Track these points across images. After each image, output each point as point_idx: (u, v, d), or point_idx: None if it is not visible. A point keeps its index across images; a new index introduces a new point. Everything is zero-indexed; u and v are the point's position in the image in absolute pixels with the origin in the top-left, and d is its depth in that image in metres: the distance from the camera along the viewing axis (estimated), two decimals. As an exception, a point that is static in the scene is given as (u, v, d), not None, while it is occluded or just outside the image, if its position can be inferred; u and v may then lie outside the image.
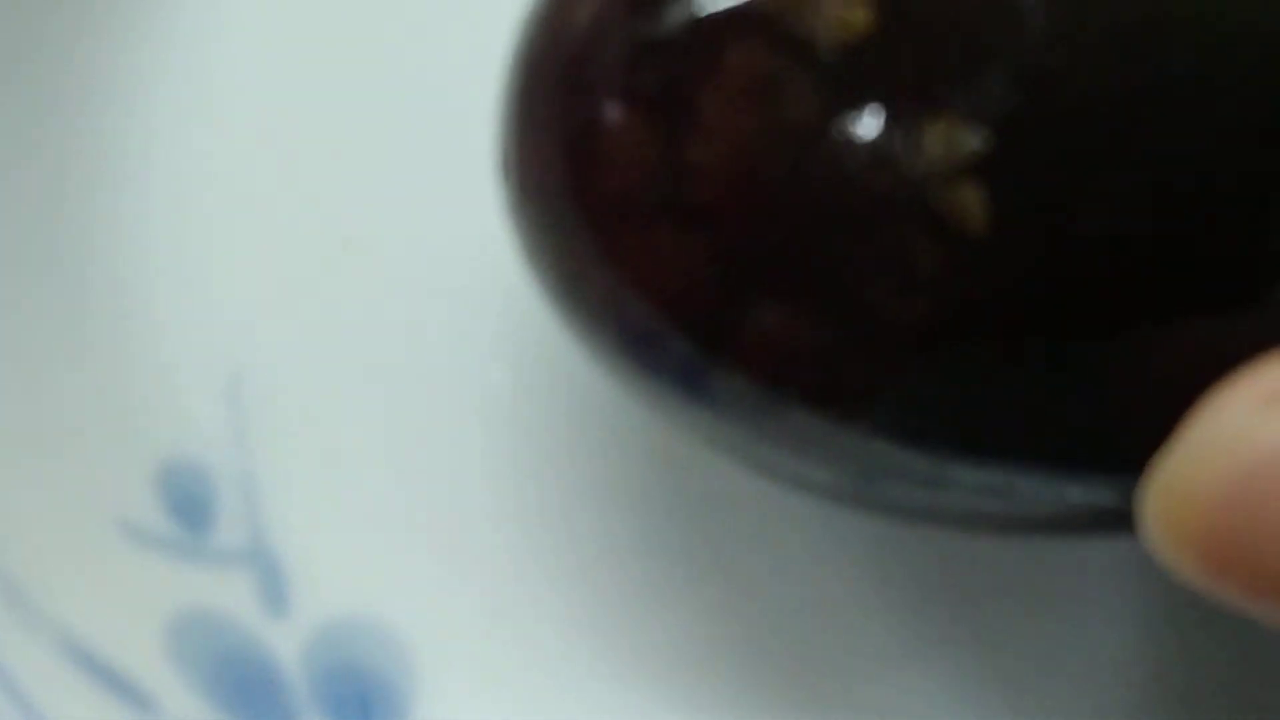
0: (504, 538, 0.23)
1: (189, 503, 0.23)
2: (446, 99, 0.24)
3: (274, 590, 0.23)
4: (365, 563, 0.23)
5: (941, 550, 0.21)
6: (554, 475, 0.23)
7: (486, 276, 0.21)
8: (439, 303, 0.24)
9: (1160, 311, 0.15)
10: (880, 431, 0.16)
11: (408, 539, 0.23)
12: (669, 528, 0.23)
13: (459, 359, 0.23)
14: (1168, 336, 0.15)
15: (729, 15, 0.15)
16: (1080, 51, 0.15)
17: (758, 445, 0.17)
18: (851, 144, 0.15)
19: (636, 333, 0.17)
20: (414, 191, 0.24)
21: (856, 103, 0.15)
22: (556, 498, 0.23)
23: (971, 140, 0.14)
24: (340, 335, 0.24)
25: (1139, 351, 0.15)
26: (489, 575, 0.22)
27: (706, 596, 0.22)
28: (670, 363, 0.17)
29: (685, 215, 0.16)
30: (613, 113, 0.16)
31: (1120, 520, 0.16)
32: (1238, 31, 0.15)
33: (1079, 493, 0.16)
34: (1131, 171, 0.15)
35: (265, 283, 0.24)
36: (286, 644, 0.22)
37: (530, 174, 0.17)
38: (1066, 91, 0.15)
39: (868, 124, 0.15)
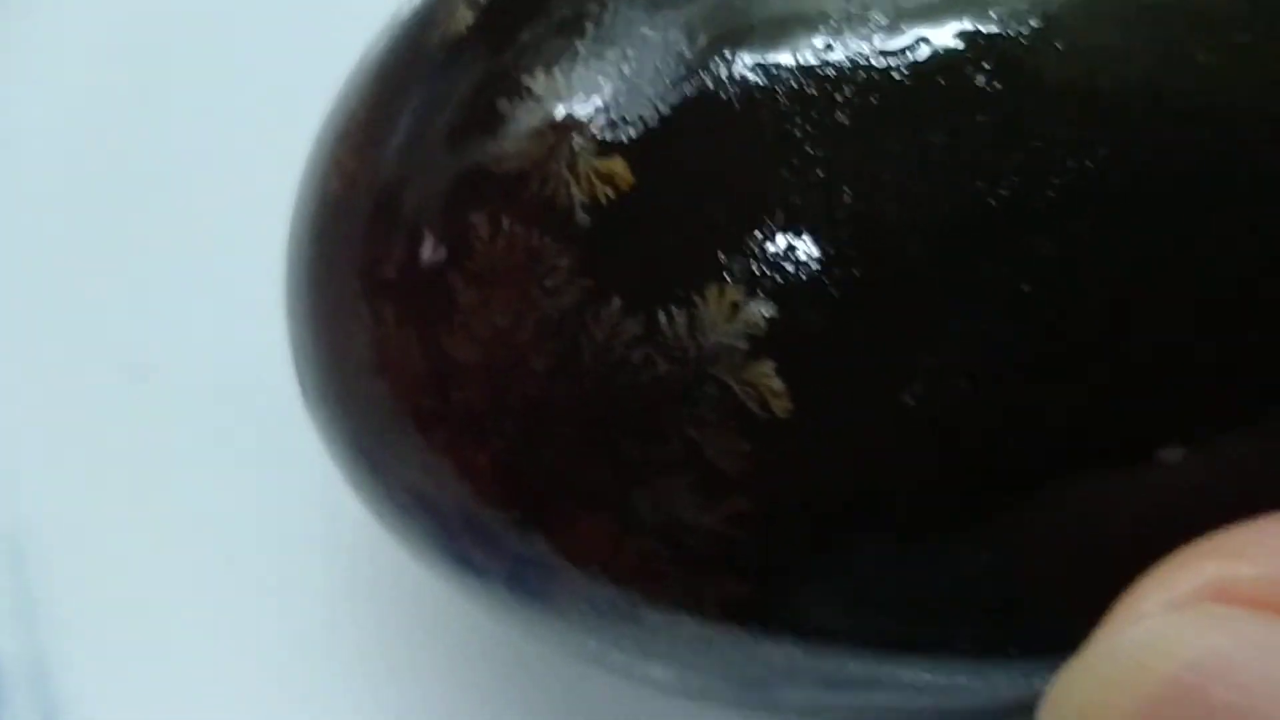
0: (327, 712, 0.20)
1: (-31, 695, 0.20)
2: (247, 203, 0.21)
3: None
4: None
5: None
6: (394, 642, 0.20)
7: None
8: (246, 433, 0.21)
9: (1017, 481, 0.12)
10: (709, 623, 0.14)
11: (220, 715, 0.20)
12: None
13: (272, 494, 0.21)
14: (1034, 509, 0.13)
15: (470, 181, 0.13)
16: (880, 191, 0.12)
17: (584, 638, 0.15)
18: (622, 327, 0.12)
19: (447, 534, 0.15)
20: (206, 315, 0.22)
21: (622, 276, 0.12)
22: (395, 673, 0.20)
23: (760, 310, 0.12)
24: (134, 479, 0.21)
25: (998, 528, 0.13)
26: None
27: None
28: (481, 563, 0.15)
29: (460, 421, 0.13)
30: (373, 313, 0.14)
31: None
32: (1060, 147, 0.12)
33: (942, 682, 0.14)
34: (955, 327, 0.12)
35: (40, 424, 0.22)
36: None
37: (320, 385, 0.15)
38: (866, 239, 0.12)
39: (637, 300, 0.12)
